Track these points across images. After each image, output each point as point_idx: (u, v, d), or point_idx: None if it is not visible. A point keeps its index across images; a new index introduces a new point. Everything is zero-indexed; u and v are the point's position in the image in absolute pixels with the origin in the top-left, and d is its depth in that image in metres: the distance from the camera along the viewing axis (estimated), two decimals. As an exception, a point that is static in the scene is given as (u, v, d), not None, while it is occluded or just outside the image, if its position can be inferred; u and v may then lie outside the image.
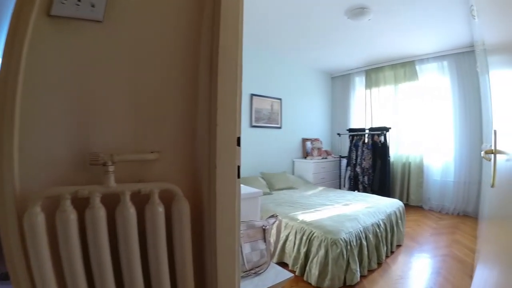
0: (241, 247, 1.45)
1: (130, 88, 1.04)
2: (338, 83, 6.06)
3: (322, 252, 2.21)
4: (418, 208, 4.63)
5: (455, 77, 4.30)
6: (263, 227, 1.57)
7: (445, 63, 4.40)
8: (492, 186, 1.11)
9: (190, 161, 1.08)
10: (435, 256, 2.77)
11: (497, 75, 1.07)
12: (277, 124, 4.87)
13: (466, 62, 4.15)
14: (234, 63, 0.97)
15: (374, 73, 5.36)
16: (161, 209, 0.98)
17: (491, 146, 1.73)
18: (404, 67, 4.91)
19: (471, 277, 2.03)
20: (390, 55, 4.76)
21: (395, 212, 3.04)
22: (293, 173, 5.09)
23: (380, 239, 2.62)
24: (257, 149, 4.46)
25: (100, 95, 1.00)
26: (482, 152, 1.16)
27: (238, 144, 0.99)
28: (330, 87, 6.18)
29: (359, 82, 5.66)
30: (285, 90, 5.00)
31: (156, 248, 1.01)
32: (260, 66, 4.49)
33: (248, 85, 4.17)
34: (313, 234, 2.35)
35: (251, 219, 1.64)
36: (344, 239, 2.22)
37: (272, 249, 1.67)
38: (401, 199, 4.24)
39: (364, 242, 2.40)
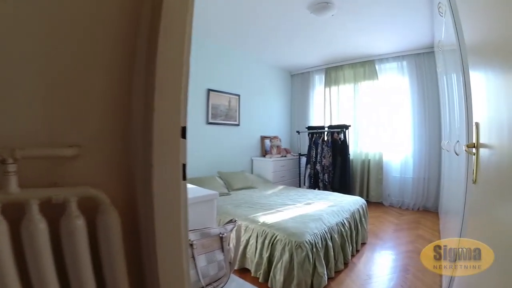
0: (194, 260, 1.23)
1: (42, 64, 0.78)
2: (298, 80, 6.01)
3: (286, 256, 2.05)
4: (379, 204, 4.68)
5: (414, 77, 4.42)
6: (220, 235, 1.37)
7: (405, 63, 4.52)
8: (475, 182, 1.01)
9: (122, 158, 0.83)
10: (401, 253, 2.74)
11: (482, 73, 1.00)
12: (235, 121, 4.68)
13: (425, 62, 4.28)
14: (182, 28, 0.74)
15: (333, 71, 5.36)
16: (80, 222, 0.74)
17: (458, 142, 1.69)
18: (364, 66, 4.95)
19: (440, 274, 1.98)
20: (350, 54, 4.77)
21: (358, 210, 2.99)
22: (252, 172, 4.93)
23: (346, 238, 2.53)
24: (214, 147, 4.19)
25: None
26: (464, 146, 1.06)
27: (184, 136, 0.76)
28: (290, 84, 6.11)
29: (318, 80, 5.66)
30: (244, 86, 4.82)
31: (77, 272, 0.77)
32: (217, 61, 4.24)
33: (204, 80, 3.93)
34: (275, 237, 2.19)
35: (206, 226, 1.43)
36: (309, 241, 2.08)
37: (232, 258, 1.47)
38: (361, 196, 4.23)
39: (330, 243, 2.29)
